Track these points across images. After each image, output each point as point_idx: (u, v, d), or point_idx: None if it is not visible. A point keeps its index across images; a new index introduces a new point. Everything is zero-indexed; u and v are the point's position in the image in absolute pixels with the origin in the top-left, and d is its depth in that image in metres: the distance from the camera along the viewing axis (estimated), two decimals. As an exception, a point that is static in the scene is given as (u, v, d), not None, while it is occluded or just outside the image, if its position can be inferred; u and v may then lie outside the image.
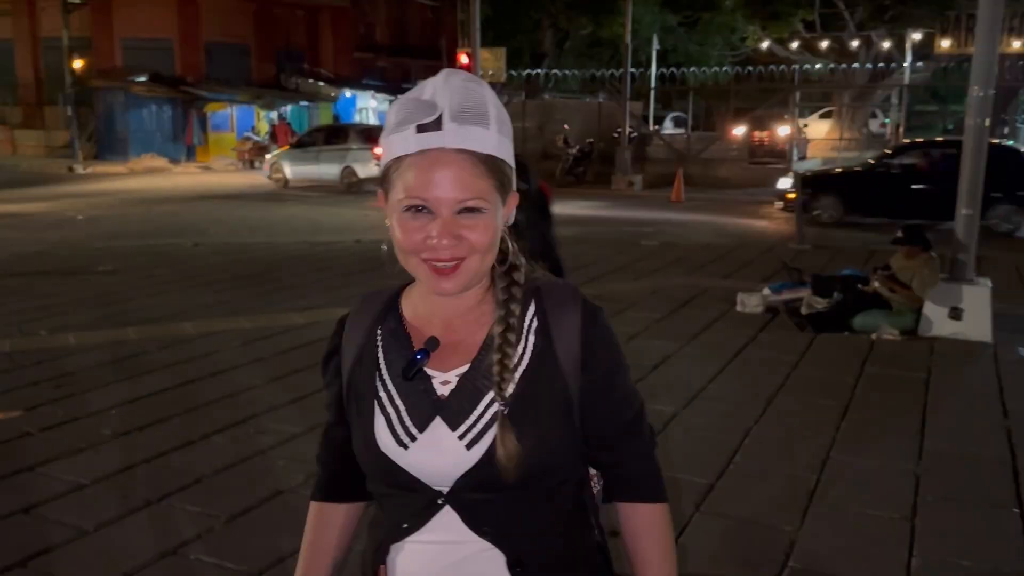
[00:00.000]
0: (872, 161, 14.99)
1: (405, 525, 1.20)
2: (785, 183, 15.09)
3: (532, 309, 1.21)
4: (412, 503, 1.19)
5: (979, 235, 7.06)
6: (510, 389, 1.15)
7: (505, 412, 1.14)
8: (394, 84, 32.13)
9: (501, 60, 23.77)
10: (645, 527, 1.26)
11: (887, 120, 29.46)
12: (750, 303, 7.42)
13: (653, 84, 25.92)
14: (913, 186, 13.38)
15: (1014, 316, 7.11)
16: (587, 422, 1.22)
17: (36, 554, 3.25)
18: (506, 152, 1.16)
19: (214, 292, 8.21)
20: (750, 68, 24.88)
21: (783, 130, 23.32)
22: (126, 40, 27.74)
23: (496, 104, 1.15)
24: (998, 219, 13.04)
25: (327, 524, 1.34)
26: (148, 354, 5.93)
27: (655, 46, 25.22)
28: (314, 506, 1.35)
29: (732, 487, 3.94)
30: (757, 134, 23.68)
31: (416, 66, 33.62)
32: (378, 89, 31.83)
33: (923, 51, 25.99)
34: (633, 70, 22.49)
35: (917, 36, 24.89)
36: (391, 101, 22.45)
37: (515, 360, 1.17)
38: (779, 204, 15.08)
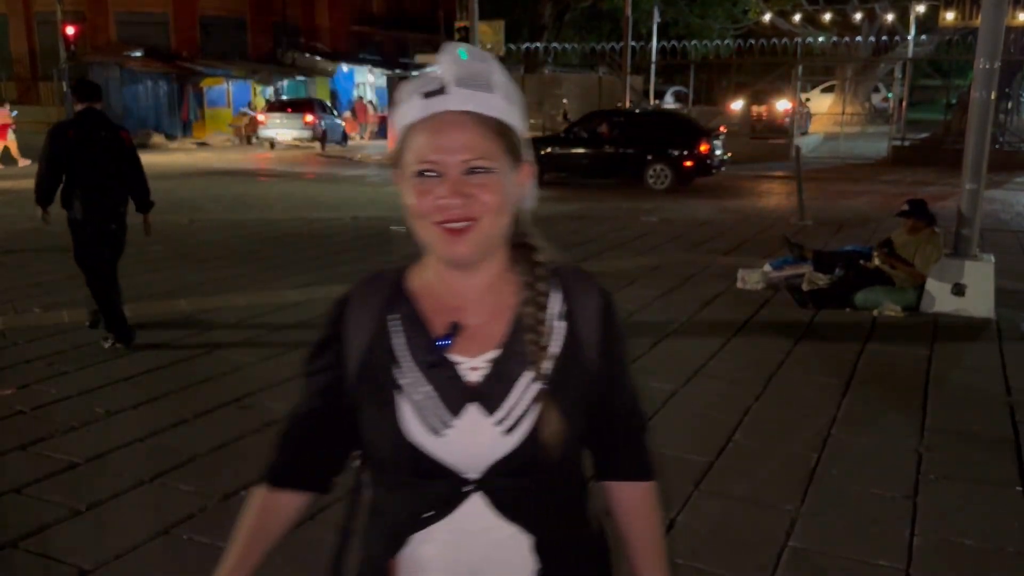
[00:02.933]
0: (563, 131, 17.68)
1: (429, 514, 1.16)
2: None
3: (557, 292, 1.21)
4: (436, 491, 1.16)
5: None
6: (546, 368, 1.15)
7: (547, 390, 1.14)
8: (392, 58, 31.83)
9: (500, 33, 23.47)
10: (639, 504, 1.30)
11: (890, 94, 29.22)
12: (751, 280, 7.37)
13: (654, 58, 25.65)
14: (589, 149, 15.89)
15: (1017, 292, 7.06)
16: (597, 405, 1.22)
17: (28, 534, 3.21)
18: (514, 120, 1.16)
19: (209, 269, 8.15)
20: (752, 41, 24.58)
21: (781, 104, 23.12)
22: (120, 14, 27.43)
23: (501, 73, 1.15)
24: (653, 178, 15.16)
25: (274, 511, 1.26)
26: (142, 331, 5.87)
27: (656, 19, 24.92)
28: (261, 491, 1.26)
29: (732, 465, 3.90)
30: (755, 108, 23.50)
31: (414, 39, 33.27)
32: (375, 63, 31.54)
33: (927, 24, 25.71)
34: (634, 43, 22.26)
35: (921, 8, 24.62)
36: (388, 76, 22.31)
37: (547, 340, 1.17)
38: None
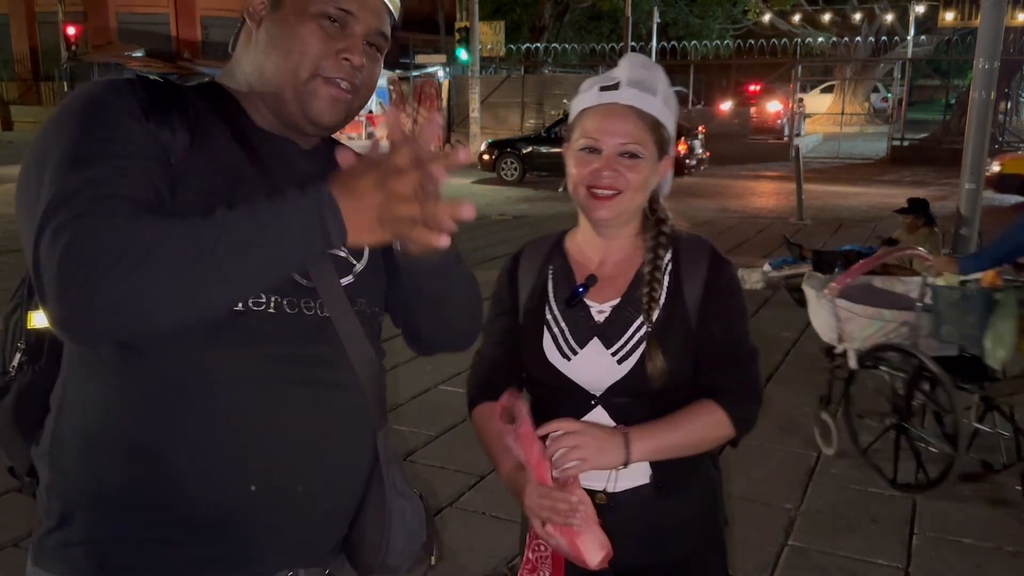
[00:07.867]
0: (544, 129, 17.92)
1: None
2: (483, 147, 17.42)
3: (669, 256, 1.48)
4: (571, 401, 1.48)
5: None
6: (655, 316, 1.43)
7: (651, 332, 1.43)
8: (392, 58, 31.83)
9: (500, 34, 23.52)
10: (698, 405, 1.44)
11: (889, 95, 29.24)
12: (750, 279, 7.39)
13: (653, 58, 25.61)
14: None
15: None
16: (697, 350, 1.46)
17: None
18: (667, 121, 1.45)
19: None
20: (751, 42, 24.60)
21: (773, 105, 23.13)
22: (121, 15, 27.44)
23: (665, 83, 1.45)
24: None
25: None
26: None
27: (656, 19, 24.93)
28: (478, 410, 1.57)
29: (731, 464, 3.92)
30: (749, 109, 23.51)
31: (414, 40, 33.28)
32: (376, 64, 31.48)
33: (926, 24, 25.71)
34: (633, 44, 22.28)
35: (920, 8, 24.61)
36: (389, 76, 22.25)
37: (658, 295, 1.45)
38: (478, 164, 16.85)
